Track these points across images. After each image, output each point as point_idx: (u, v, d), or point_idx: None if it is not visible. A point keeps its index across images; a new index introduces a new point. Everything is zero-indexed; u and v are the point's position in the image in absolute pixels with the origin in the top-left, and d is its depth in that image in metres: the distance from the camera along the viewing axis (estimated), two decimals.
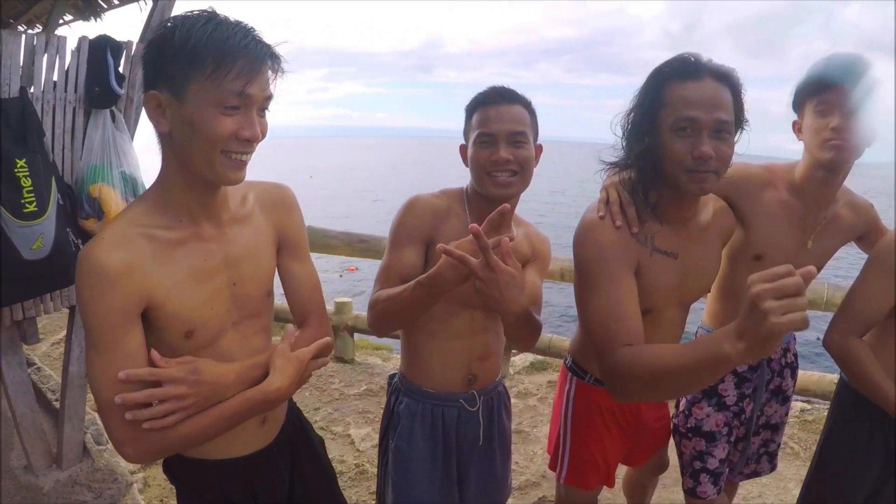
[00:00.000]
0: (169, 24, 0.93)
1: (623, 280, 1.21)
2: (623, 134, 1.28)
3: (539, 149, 1.44)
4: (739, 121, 1.24)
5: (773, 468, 1.84)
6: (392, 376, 1.62)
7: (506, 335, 1.46)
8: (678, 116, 1.17)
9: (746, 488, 2.60)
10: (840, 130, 1.41)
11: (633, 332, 1.16)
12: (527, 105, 1.41)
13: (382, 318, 1.34)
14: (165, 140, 0.98)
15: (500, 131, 1.34)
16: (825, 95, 1.42)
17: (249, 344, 1.12)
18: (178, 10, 1.99)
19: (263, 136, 1.00)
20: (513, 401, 3.20)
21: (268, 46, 0.96)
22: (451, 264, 1.14)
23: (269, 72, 0.96)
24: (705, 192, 1.25)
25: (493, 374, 1.56)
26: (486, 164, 1.35)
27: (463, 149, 1.43)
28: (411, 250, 1.37)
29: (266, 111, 1.00)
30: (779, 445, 1.82)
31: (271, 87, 0.98)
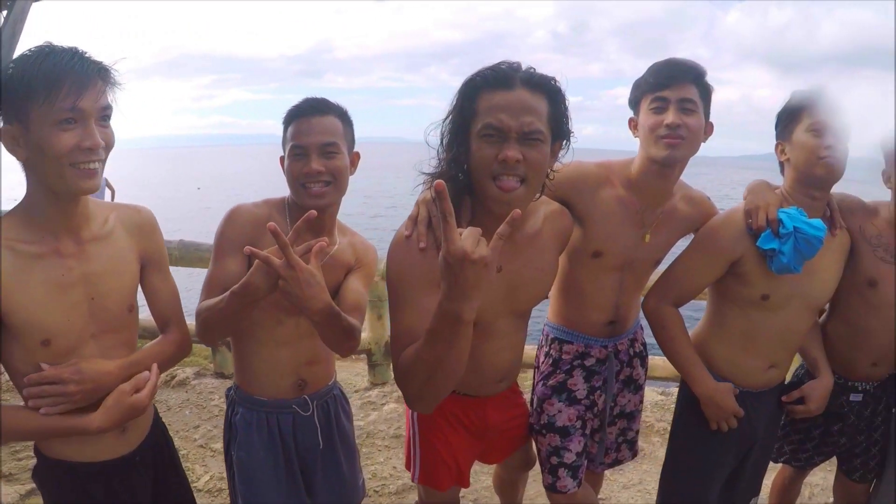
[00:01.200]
0: (10, 67, 1.05)
1: (421, 302, 1.17)
2: (439, 143, 1.25)
3: (356, 156, 1.49)
4: (561, 131, 1.23)
5: (633, 455, 1.88)
6: (228, 389, 1.60)
7: (321, 338, 1.41)
8: (485, 123, 1.16)
9: (627, 476, 2.67)
10: (674, 127, 1.45)
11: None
12: (341, 115, 1.44)
13: (206, 328, 1.35)
14: (25, 166, 1.10)
15: (311, 143, 1.38)
16: (660, 93, 1.47)
17: (110, 356, 1.21)
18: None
19: (109, 143, 1.11)
20: (393, 405, 3.32)
21: (97, 63, 1.08)
22: (261, 271, 1.20)
23: (101, 84, 1.08)
24: (513, 203, 1.16)
25: (325, 378, 1.58)
26: (299, 175, 1.39)
27: (282, 160, 1.45)
28: (233, 260, 1.38)
29: (108, 120, 1.12)
30: (637, 433, 1.86)
31: (108, 98, 1.10)
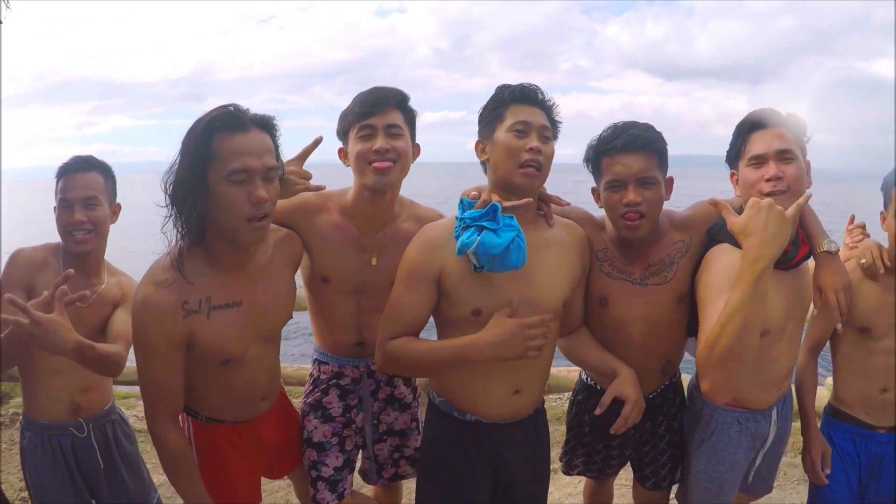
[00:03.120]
0: None
1: (160, 356, 1.36)
2: (168, 191, 1.30)
3: (118, 207, 1.78)
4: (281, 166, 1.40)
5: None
6: (15, 415, 1.88)
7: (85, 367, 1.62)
8: (233, 168, 1.25)
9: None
10: (383, 152, 1.54)
11: (179, 403, 1.44)
12: (103, 171, 1.74)
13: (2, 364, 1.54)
14: None
15: (75, 197, 1.69)
16: (367, 121, 1.55)
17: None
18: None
19: None
20: None
21: None
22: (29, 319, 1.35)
23: None
24: (263, 239, 1.39)
25: (100, 403, 1.82)
26: (66, 224, 1.69)
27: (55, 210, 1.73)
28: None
29: None
30: (416, 450, 1.86)
31: None
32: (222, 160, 1.25)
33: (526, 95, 1.46)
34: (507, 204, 1.39)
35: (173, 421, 1.44)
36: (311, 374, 1.84)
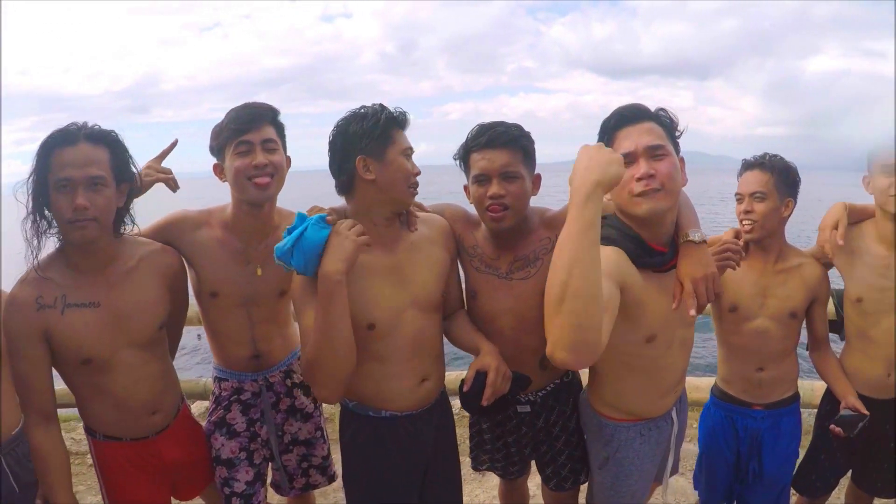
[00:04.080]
0: None
1: (20, 350, 1.44)
2: (28, 196, 1.44)
3: None
4: (122, 175, 1.48)
5: (330, 479, 1.94)
6: None
7: None
8: (58, 178, 1.40)
9: None
10: (262, 167, 1.58)
11: (47, 402, 1.49)
12: None
13: None
14: None
15: None
16: (244, 137, 1.59)
17: None
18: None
19: None
20: None
21: None
22: None
23: None
24: (88, 240, 1.44)
25: (8, 427, 1.70)
26: None
27: None
28: None
29: None
30: (325, 458, 1.91)
31: None
32: (53, 171, 1.41)
33: (401, 121, 1.50)
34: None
35: (39, 420, 1.51)
36: (213, 392, 1.85)
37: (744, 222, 1.82)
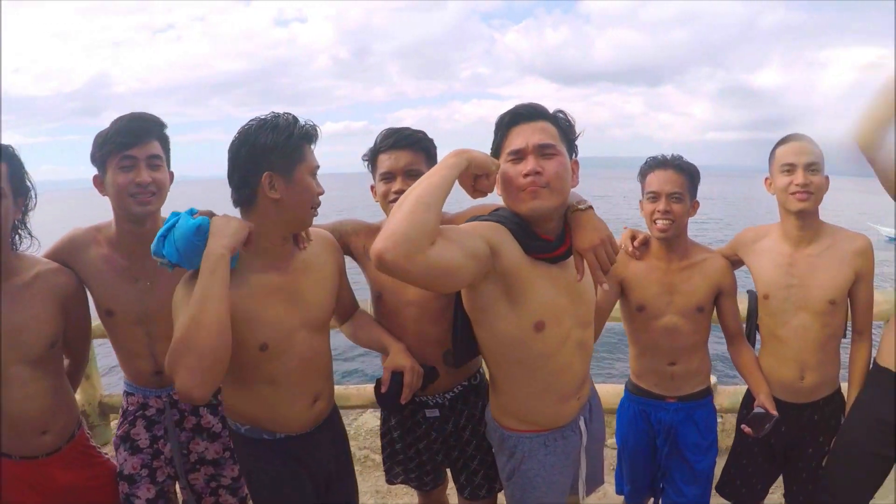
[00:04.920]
0: None
1: None
2: None
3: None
4: (19, 189, 1.49)
5: (241, 501, 1.89)
6: None
7: None
8: None
9: None
10: (146, 185, 1.57)
11: None
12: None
13: None
14: None
15: None
16: (129, 152, 1.56)
17: None
18: None
19: None
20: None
21: None
22: None
23: None
24: None
25: None
26: None
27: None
28: None
29: None
30: (235, 479, 1.86)
31: None
32: None
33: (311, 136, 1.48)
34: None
35: None
36: (122, 406, 1.83)
37: (658, 221, 1.82)
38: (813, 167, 1.76)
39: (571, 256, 1.44)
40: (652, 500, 2.11)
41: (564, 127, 1.43)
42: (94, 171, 1.64)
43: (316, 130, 1.43)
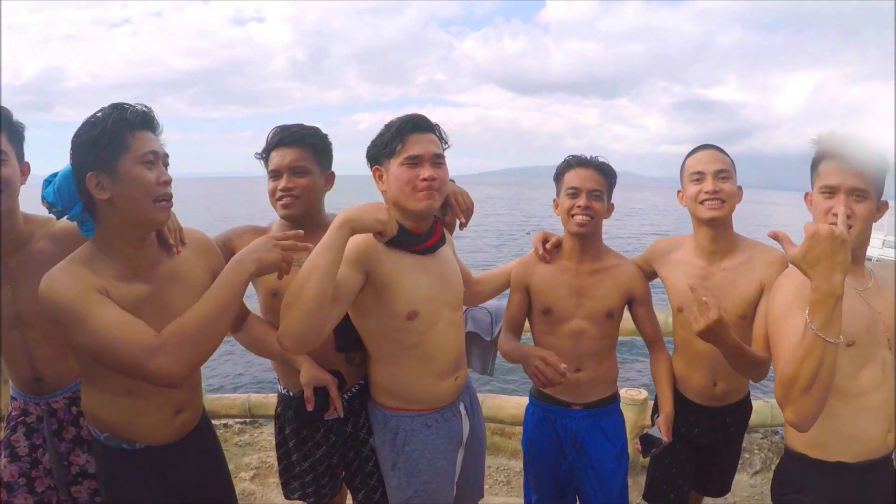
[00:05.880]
0: None
1: None
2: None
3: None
4: None
5: None
6: None
7: None
8: None
9: None
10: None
11: None
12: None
13: None
14: None
15: None
16: None
17: None
18: None
19: None
20: None
21: None
22: None
23: None
24: None
25: None
26: None
27: None
28: None
29: None
30: None
31: None
32: None
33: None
34: None
35: None
36: (8, 411, 1.74)
37: (577, 216, 1.80)
38: (723, 174, 1.74)
39: (442, 247, 1.66)
40: None
41: (445, 139, 1.63)
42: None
43: (145, 115, 1.31)
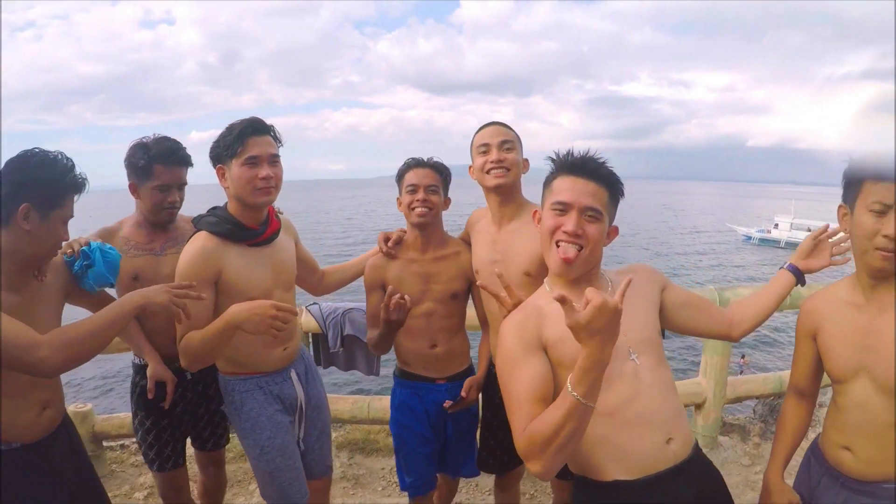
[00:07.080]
0: None
1: None
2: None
3: None
4: None
5: None
6: None
7: None
8: None
9: None
10: None
11: None
12: None
13: None
14: None
15: None
16: None
17: None
18: None
19: None
20: None
21: None
22: None
23: None
24: None
25: None
26: None
27: None
28: None
29: None
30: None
31: None
32: None
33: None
34: None
35: None
36: None
37: (417, 209, 1.98)
38: (507, 145, 1.89)
39: (277, 238, 1.92)
40: (437, 493, 2.24)
41: (279, 139, 1.83)
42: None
43: (84, 184, 1.58)
